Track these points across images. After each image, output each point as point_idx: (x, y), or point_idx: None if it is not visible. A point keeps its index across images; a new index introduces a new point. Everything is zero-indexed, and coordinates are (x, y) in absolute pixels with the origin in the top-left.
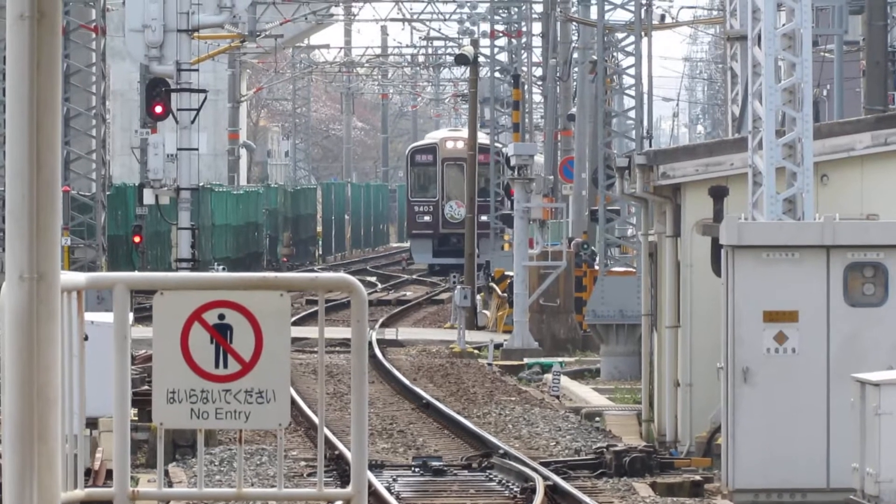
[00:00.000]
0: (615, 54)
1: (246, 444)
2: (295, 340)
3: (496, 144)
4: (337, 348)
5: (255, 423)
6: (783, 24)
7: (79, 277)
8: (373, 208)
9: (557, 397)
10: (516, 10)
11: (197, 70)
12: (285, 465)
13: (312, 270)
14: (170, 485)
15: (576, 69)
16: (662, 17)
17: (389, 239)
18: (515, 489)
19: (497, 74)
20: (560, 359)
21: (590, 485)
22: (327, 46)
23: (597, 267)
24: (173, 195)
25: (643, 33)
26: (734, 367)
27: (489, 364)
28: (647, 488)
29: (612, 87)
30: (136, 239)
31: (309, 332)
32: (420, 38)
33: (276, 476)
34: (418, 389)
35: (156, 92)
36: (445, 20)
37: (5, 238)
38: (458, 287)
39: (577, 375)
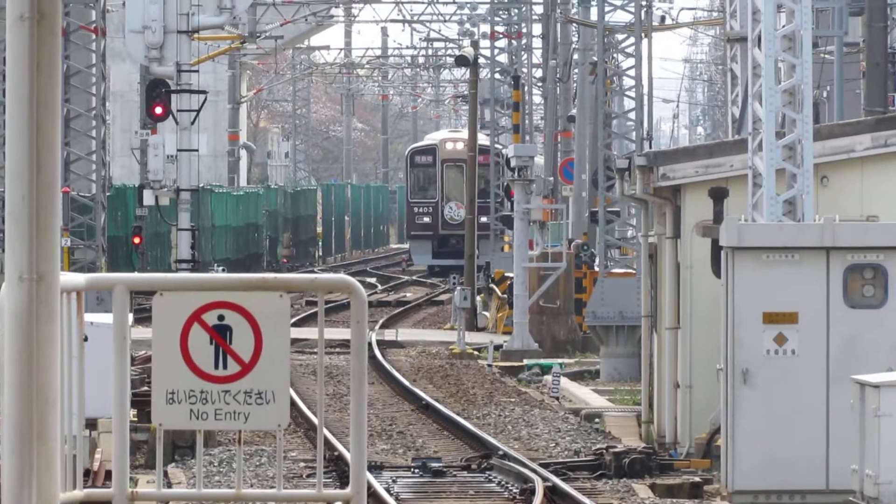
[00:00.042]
0: (615, 56)
1: (245, 444)
2: (294, 341)
3: (496, 146)
4: (336, 349)
5: (255, 424)
6: (783, 26)
7: (78, 278)
8: (373, 209)
9: (557, 398)
10: (516, 11)
11: (197, 71)
12: (284, 466)
13: (312, 271)
14: (169, 486)
15: (576, 70)
16: (662, 19)
17: (389, 240)
18: (515, 490)
19: (497, 76)
20: (560, 360)
21: (589, 486)
22: (327, 48)
23: (597, 268)
24: (173, 196)
25: (643, 35)
26: (734, 368)
27: (489, 365)
28: (647, 489)
29: (613, 89)
30: (136, 240)
31: (309, 333)
32: (420, 39)
33: (276, 477)
34: (418, 390)
35: (156, 93)
36: (445, 21)
37: (5, 239)
38: (458, 288)
39: (576, 377)
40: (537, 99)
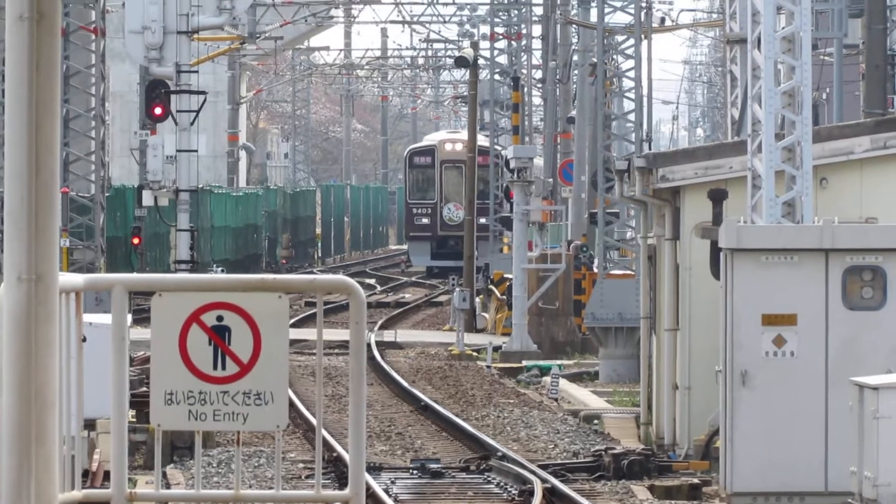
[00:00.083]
0: (615, 57)
1: (244, 445)
2: (293, 342)
3: (496, 147)
4: (335, 350)
5: (253, 425)
6: (783, 28)
7: (77, 279)
8: (372, 210)
9: (556, 400)
10: (516, 12)
11: (196, 72)
12: (283, 467)
13: (311, 272)
14: (168, 486)
15: (575, 72)
16: (662, 20)
17: (388, 241)
18: (513, 492)
19: (497, 77)
20: (559, 361)
21: (588, 487)
22: (327, 48)
23: (596, 270)
24: (172, 197)
25: (643, 36)
26: (733, 370)
27: (488, 366)
28: (646, 491)
29: (612, 90)
30: (135, 240)
31: (308, 334)
32: (420, 40)
33: (274, 478)
34: (417, 392)
35: (155, 93)
36: (445, 22)
37: (4, 239)
38: (457, 289)
39: (575, 378)
40: (537, 100)
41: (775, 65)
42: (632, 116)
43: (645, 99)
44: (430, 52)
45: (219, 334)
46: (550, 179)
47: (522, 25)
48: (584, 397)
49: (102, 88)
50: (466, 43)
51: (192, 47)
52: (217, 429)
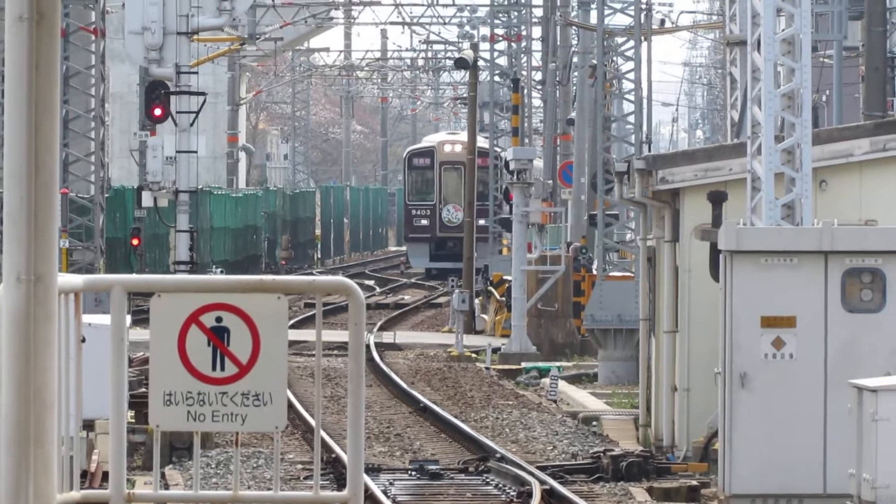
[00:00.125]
0: (615, 59)
1: (243, 446)
2: (293, 343)
3: (496, 148)
4: (335, 352)
5: (252, 426)
6: (783, 30)
7: (76, 279)
8: (371, 212)
9: (555, 401)
10: (516, 14)
11: (196, 73)
12: (282, 468)
13: (311, 274)
14: (166, 487)
15: (575, 73)
16: (662, 22)
17: (388, 242)
18: (512, 493)
19: (497, 78)
20: (558, 363)
21: (586, 489)
22: (327, 50)
23: (595, 271)
24: (172, 198)
25: (643, 38)
26: (732, 372)
27: (487, 368)
28: (644, 493)
29: (612, 92)
30: (135, 241)
31: (307, 335)
32: (420, 41)
33: (273, 479)
34: (416, 393)
35: (155, 94)
36: (445, 24)
37: (3, 240)
38: (457, 291)
39: (574, 380)
40: (537, 102)
41: (775, 67)
42: (631, 118)
43: (645, 101)
44: (429, 54)
45: (218, 335)
46: (550, 181)
47: (522, 27)
48: (583, 399)
49: (102, 89)
50: (466, 44)
51: (192, 48)
52: (216, 429)
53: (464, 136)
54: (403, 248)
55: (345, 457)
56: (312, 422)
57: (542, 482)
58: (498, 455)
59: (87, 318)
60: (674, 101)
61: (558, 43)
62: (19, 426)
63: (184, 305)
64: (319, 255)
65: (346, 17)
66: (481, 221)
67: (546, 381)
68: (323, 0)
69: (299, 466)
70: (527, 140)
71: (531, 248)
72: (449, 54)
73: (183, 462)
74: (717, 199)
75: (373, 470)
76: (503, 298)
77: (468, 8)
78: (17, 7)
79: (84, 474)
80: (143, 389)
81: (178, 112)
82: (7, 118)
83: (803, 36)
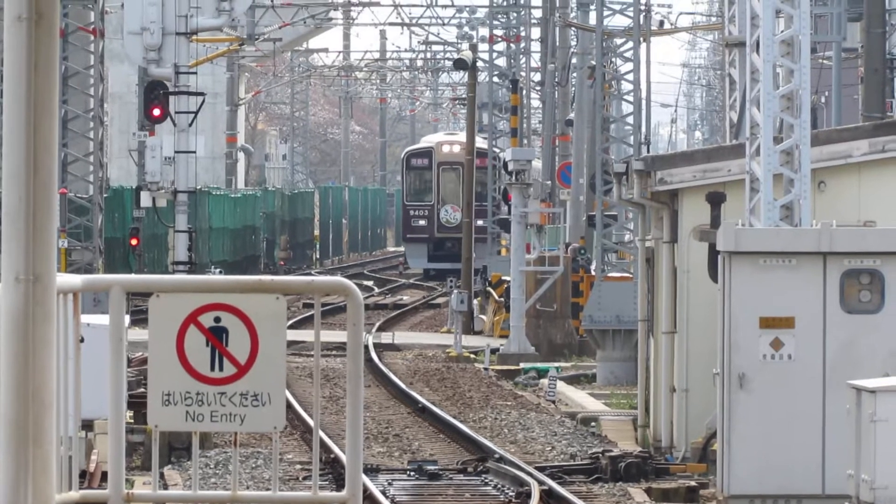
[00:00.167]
0: (614, 60)
1: (241, 447)
2: (291, 344)
3: (494, 149)
4: (333, 352)
5: (251, 426)
6: (782, 31)
7: (75, 279)
8: (370, 212)
9: (553, 402)
10: (515, 15)
11: (195, 73)
12: (280, 468)
13: (309, 274)
14: (165, 487)
15: (574, 74)
16: (661, 23)
17: (387, 243)
18: (511, 494)
19: (495, 79)
20: (556, 364)
21: (585, 490)
22: (326, 50)
23: (593, 272)
24: (171, 198)
25: (642, 39)
26: (730, 373)
27: (485, 368)
28: (643, 494)
29: (611, 93)
30: (134, 241)
31: (305, 335)
32: (419, 42)
33: (272, 479)
34: (414, 393)
35: (154, 95)
36: (444, 25)
37: (1, 240)
38: (455, 291)
39: (573, 380)
40: (535, 103)
41: (774, 68)
42: (630, 119)
43: (643, 102)
44: (428, 55)
45: (216, 335)
46: (549, 182)
47: (521, 28)
48: (582, 399)
49: (101, 89)
50: (465, 45)
51: (191, 48)
52: (214, 430)
53: (462, 136)
54: (402, 248)
55: (343, 457)
56: (311, 422)
57: (540, 483)
58: (497, 455)
59: (85, 318)
60: (673, 103)
61: (557, 44)
62: (18, 426)
63: (182, 305)
64: (318, 256)
65: (345, 17)
66: (480, 222)
67: (545, 381)
68: (322, 1)
69: (298, 467)
70: (525, 141)
71: (530, 248)
72: (448, 55)
73: (182, 462)
74: (716, 200)
75: (371, 470)
76: (502, 299)
77: (467, 9)
78: (16, 7)
79: (83, 474)
80: (142, 389)
81: (176, 112)
82: (6, 118)
83: (802, 37)
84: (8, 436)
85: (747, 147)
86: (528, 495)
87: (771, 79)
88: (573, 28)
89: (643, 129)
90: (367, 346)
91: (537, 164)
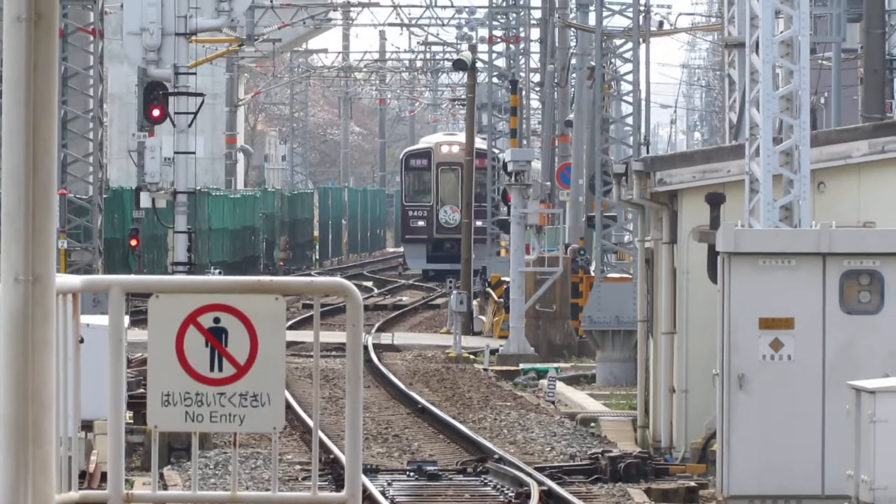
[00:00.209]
0: (613, 60)
1: (241, 447)
2: (291, 344)
3: (494, 150)
4: (333, 353)
5: (250, 427)
6: (781, 32)
7: (74, 280)
8: (370, 213)
9: (553, 403)
10: (514, 15)
11: (195, 74)
12: (280, 468)
13: (309, 275)
14: (165, 488)
15: (574, 75)
16: (661, 24)
17: (386, 244)
18: (510, 494)
19: (495, 80)
20: (556, 364)
21: (585, 490)
22: (325, 51)
23: (593, 273)
24: (170, 199)
25: (641, 40)
26: (730, 373)
27: (485, 369)
28: (642, 494)
29: (610, 94)
30: (133, 242)
31: (305, 336)
32: (418, 43)
33: (271, 480)
34: (414, 394)
35: (153, 95)
36: (444, 25)
37: (1, 240)
38: (455, 292)
39: (572, 381)
40: (535, 103)
41: (773, 69)
42: (630, 120)
43: (643, 102)
44: (428, 55)
45: (216, 336)
46: (548, 183)
47: (521, 29)
48: (581, 400)
49: (100, 90)
50: (465, 46)
51: (191, 49)
52: (214, 430)
53: (461, 136)
54: (401, 249)
55: (343, 457)
56: (311, 422)
57: (540, 483)
58: (496, 456)
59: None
60: (672, 103)
61: (556, 44)
62: (17, 427)
63: (182, 306)
64: (317, 257)
65: (345, 18)
66: (479, 223)
67: (544, 382)
68: (321, 1)
69: (297, 467)
70: (525, 141)
71: (529, 249)
72: (447, 56)
73: (181, 462)
74: (716, 200)
75: (371, 471)
76: (501, 300)
77: (466, 9)
78: (16, 8)
79: (82, 475)
80: (142, 390)
81: (176, 113)
82: (5, 119)
83: (802, 38)
84: (8, 436)
85: (747, 148)
86: (528, 496)
87: (770, 79)
88: (572, 29)
89: (642, 129)
90: (366, 347)
91: (537, 164)
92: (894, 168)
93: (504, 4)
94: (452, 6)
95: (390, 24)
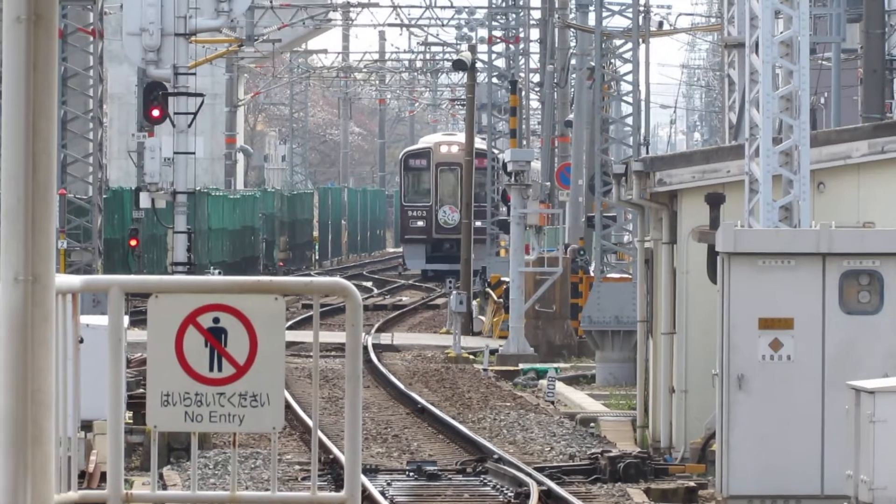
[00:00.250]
0: (613, 61)
1: (240, 447)
2: (290, 345)
3: (494, 150)
4: (332, 353)
5: (249, 427)
6: (781, 32)
7: (74, 280)
8: (369, 213)
9: (552, 403)
10: (514, 16)
11: (194, 74)
12: (279, 468)
13: (308, 275)
14: (164, 488)
15: (573, 75)
16: (660, 24)
17: (386, 244)
18: (510, 494)
19: (494, 80)
20: (555, 365)
21: (584, 490)
22: (325, 51)
23: (592, 273)
24: (170, 199)
25: (641, 40)
26: (729, 373)
27: (484, 369)
28: (642, 494)
29: (610, 94)
30: (133, 242)
31: (304, 336)
32: (418, 43)
33: (271, 480)
34: (413, 394)
35: (153, 95)
36: (443, 26)
37: (0, 240)
38: (454, 292)
39: (572, 381)
40: (535, 104)
41: (773, 69)
42: (629, 120)
43: (643, 103)
44: (427, 56)
45: (215, 336)
46: (548, 183)
47: (520, 29)
48: (581, 400)
49: (100, 90)
50: (464, 46)
51: (190, 49)
52: (213, 430)
53: (460, 136)
54: (401, 249)
55: (342, 457)
56: (310, 422)
57: (539, 483)
58: (496, 456)
59: (84, 319)
60: (672, 104)
61: (556, 45)
62: (17, 427)
63: (181, 306)
64: (317, 257)
65: (344, 18)
66: (478, 223)
67: (544, 382)
68: (321, 2)
69: (297, 467)
70: (525, 142)
71: (529, 249)
72: (447, 56)
73: (181, 463)
74: (715, 201)
75: (370, 471)
76: (501, 300)
77: (466, 10)
78: (15, 8)
79: (82, 475)
80: (141, 390)
81: (175, 113)
82: (5, 119)
83: (801, 38)
84: (7, 436)
85: (746, 148)
86: (527, 496)
87: (770, 80)
88: (572, 29)
89: (642, 130)
90: (366, 347)
91: (536, 165)
92: (894, 168)
93: (504, 5)
94: (452, 6)
95: (390, 25)
